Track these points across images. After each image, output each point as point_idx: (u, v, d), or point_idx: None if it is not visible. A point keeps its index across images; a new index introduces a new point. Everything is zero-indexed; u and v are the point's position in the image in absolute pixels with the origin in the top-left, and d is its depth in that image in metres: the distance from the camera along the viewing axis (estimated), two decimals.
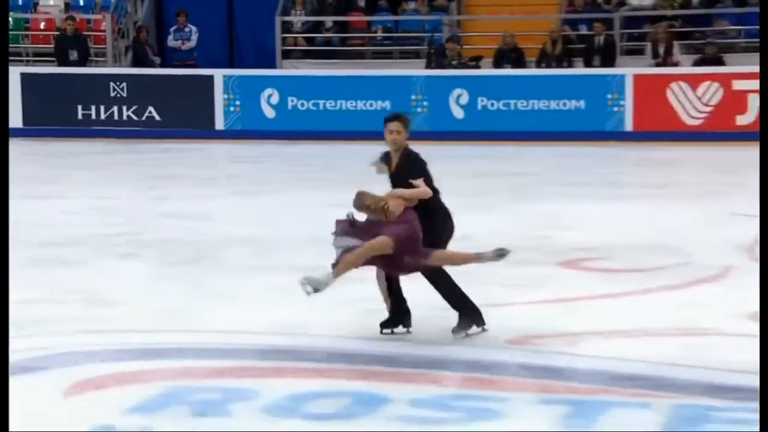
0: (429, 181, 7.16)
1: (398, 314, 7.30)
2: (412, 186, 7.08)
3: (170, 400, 6.09)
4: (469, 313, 7.16)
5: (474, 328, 7.16)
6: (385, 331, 7.28)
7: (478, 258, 7.10)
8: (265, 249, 10.40)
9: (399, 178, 7.18)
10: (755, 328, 7.51)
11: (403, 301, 7.29)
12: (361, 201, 7.10)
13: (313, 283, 6.91)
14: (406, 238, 6.91)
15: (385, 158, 7.33)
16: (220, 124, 20.45)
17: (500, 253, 7.08)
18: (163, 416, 5.86)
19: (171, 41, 21.99)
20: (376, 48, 21.97)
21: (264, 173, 16.58)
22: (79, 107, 20.84)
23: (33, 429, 5.56)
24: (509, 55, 20.07)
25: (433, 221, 7.12)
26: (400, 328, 7.29)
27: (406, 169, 7.18)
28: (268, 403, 6.08)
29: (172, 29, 22.14)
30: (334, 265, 6.99)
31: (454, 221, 7.21)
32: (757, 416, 5.77)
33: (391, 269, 7.11)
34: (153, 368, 6.67)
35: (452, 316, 7.20)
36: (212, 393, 6.24)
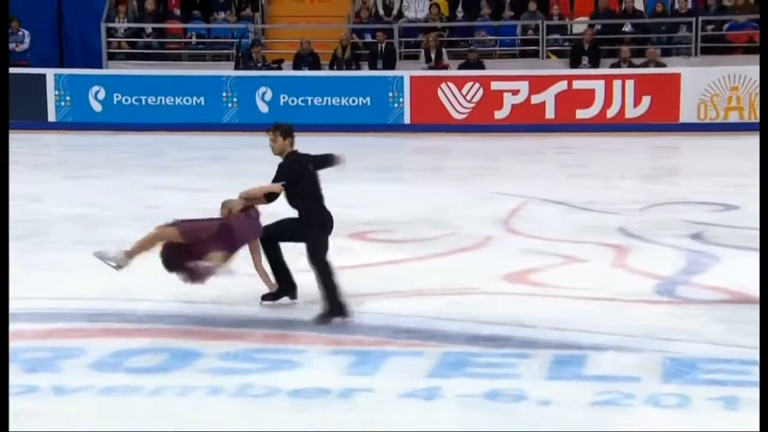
0: (289, 184, 6.95)
1: (285, 287, 7.05)
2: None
3: None
4: (333, 307, 6.72)
5: (337, 320, 6.69)
6: (265, 303, 6.99)
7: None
8: (93, 226, 10.10)
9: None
10: (509, 287, 7.75)
11: (290, 275, 7.04)
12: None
13: (103, 256, 6.67)
14: (193, 230, 6.70)
15: None
16: (52, 116, 19.74)
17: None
18: None
19: None
20: (191, 51, 21.58)
21: (92, 160, 16.09)
22: None
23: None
24: (306, 59, 20.06)
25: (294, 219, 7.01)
26: (285, 299, 7.04)
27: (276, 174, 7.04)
28: (94, 359, 5.94)
29: None
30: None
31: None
32: (510, 360, 5.97)
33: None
34: None
35: (258, 280, 7.13)
36: (42, 352, 6.06)
